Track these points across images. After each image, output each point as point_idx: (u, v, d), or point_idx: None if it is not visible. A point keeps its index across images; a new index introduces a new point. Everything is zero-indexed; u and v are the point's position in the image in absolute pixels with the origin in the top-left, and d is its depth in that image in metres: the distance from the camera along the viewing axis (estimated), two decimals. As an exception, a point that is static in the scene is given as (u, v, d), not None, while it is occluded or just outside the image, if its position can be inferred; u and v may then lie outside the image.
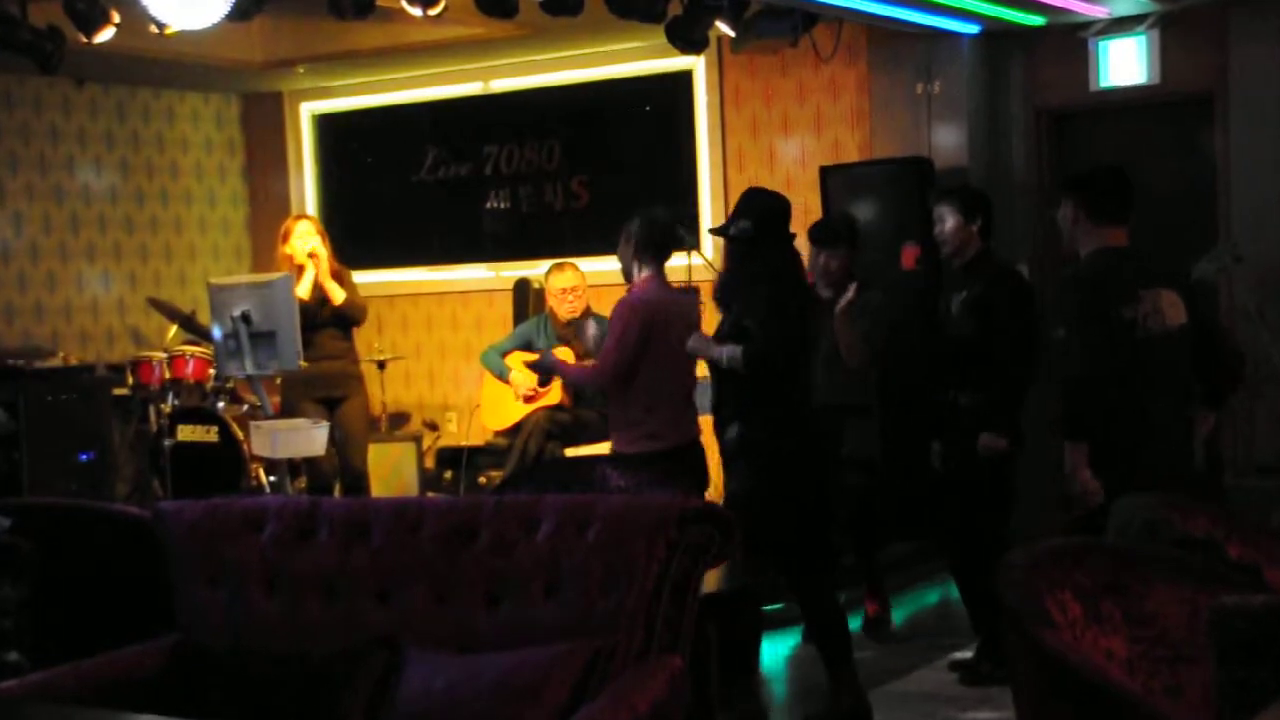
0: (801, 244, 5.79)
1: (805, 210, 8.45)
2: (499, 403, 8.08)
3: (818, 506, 5.18)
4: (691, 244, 7.36)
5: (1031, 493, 6.65)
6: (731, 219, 5.33)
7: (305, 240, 7.53)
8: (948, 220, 5.75)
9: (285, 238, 7.65)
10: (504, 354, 8.00)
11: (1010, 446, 5.63)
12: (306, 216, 8.04)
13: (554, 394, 7.83)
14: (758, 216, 5.19)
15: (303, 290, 7.34)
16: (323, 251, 7.52)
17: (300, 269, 7.50)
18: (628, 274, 5.65)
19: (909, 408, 6.67)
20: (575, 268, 7.88)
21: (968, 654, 5.86)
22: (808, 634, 6.00)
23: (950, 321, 5.75)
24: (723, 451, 5.26)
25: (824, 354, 6.17)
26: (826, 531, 5.28)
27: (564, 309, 7.79)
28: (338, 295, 7.50)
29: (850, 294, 6.11)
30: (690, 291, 5.99)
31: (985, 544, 5.52)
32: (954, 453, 5.71)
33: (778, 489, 5.02)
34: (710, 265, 7.03)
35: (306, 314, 7.08)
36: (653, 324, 5.40)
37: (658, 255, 5.55)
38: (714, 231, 5.46)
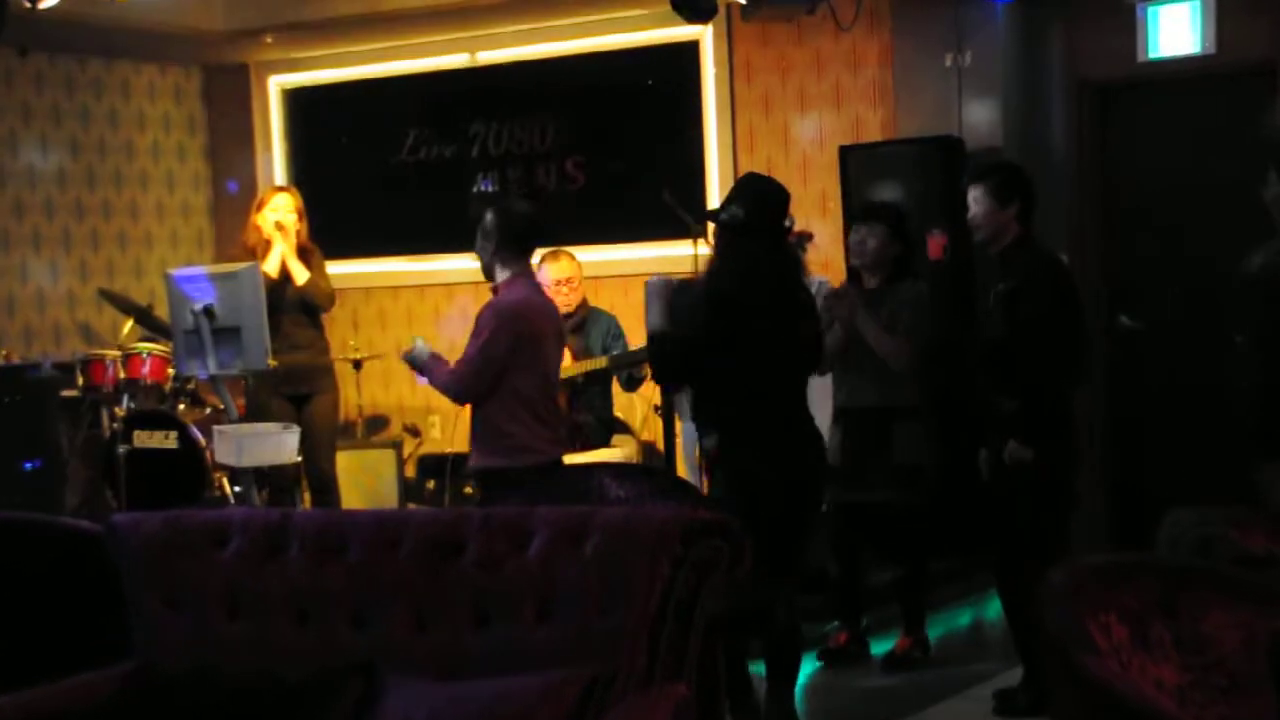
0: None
1: (823, 195, 8.48)
2: None
3: (788, 518, 5.19)
4: (698, 231, 7.36)
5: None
6: (724, 204, 5.35)
7: (278, 213, 7.57)
8: (980, 204, 5.73)
9: (259, 206, 7.71)
10: None
11: (1041, 457, 5.58)
12: (287, 189, 8.04)
13: None
14: (750, 203, 5.21)
15: (270, 267, 7.40)
16: (291, 226, 7.55)
17: (267, 243, 7.55)
18: (488, 273, 5.68)
19: (952, 410, 6.66)
20: (571, 257, 7.89)
21: (1011, 682, 5.84)
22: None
23: (987, 317, 5.73)
24: (703, 460, 5.31)
25: (868, 351, 6.17)
26: (795, 545, 5.27)
27: (559, 301, 7.79)
28: (300, 275, 7.54)
29: (874, 284, 6.13)
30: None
31: (1031, 562, 5.47)
32: (996, 462, 5.69)
33: (748, 499, 5.03)
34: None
35: (270, 295, 7.11)
36: (522, 330, 5.43)
37: (521, 252, 5.57)
38: (707, 215, 5.48)
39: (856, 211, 6.58)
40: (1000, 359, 5.68)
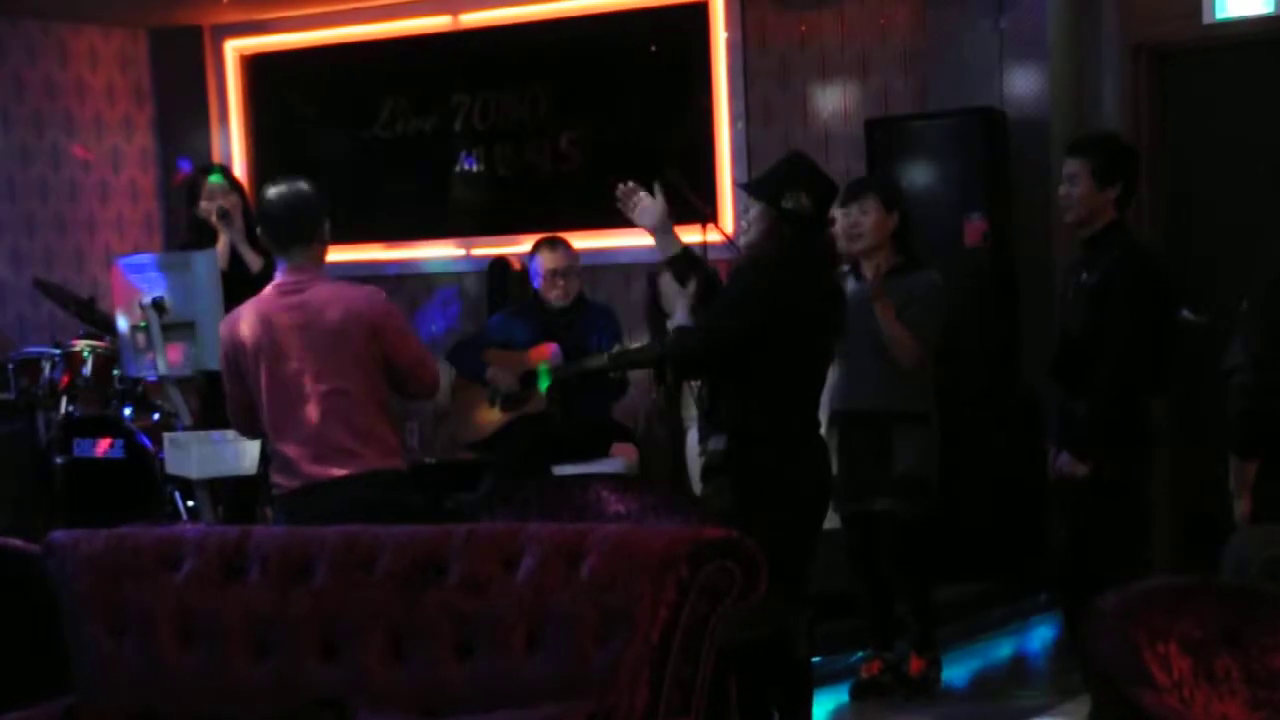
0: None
1: (848, 175, 8.45)
2: (469, 410, 8.07)
3: (802, 535, 5.24)
4: (708, 215, 7.36)
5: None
6: (779, 185, 5.35)
7: (216, 199, 7.56)
8: (1078, 181, 5.74)
9: (193, 198, 7.69)
10: (479, 350, 7.99)
11: (1114, 471, 5.61)
12: (216, 167, 8.02)
13: (537, 401, 7.83)
14: (818, 194, 5.29)
15: (219, 260, 7.39)
16: (236, 209, 7.55)
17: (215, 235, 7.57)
18: None
19: (973, 415, 6.68)
20: (567, 244, 7.88)
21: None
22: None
23: (1064, 311, 5.74)
24: (704, 464, 5.37)
25: (868, 349, 6.19)
26: (807, 564, 5.33)
27: (553, 294, 7.79)
28: (255, 263, 7.53)
29: (872, 272, 6.15)
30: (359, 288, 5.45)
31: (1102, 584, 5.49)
32: (1079, 478, 5.70)
33: (761, 510, 5.09)
34: (731, 240, 7.01)
35: (225, 290, 7.13)
36: (237, 342, 5.31)
37: (283, 244, 5.36)
38: (754, 193, 5.43)
39: (840, 195, 6.48)
40: (1079, 359, 5.69)
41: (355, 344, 5.23)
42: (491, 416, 7.97)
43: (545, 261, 7.79)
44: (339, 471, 5.21)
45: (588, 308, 7.90)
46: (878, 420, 6.24)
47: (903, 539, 6.34)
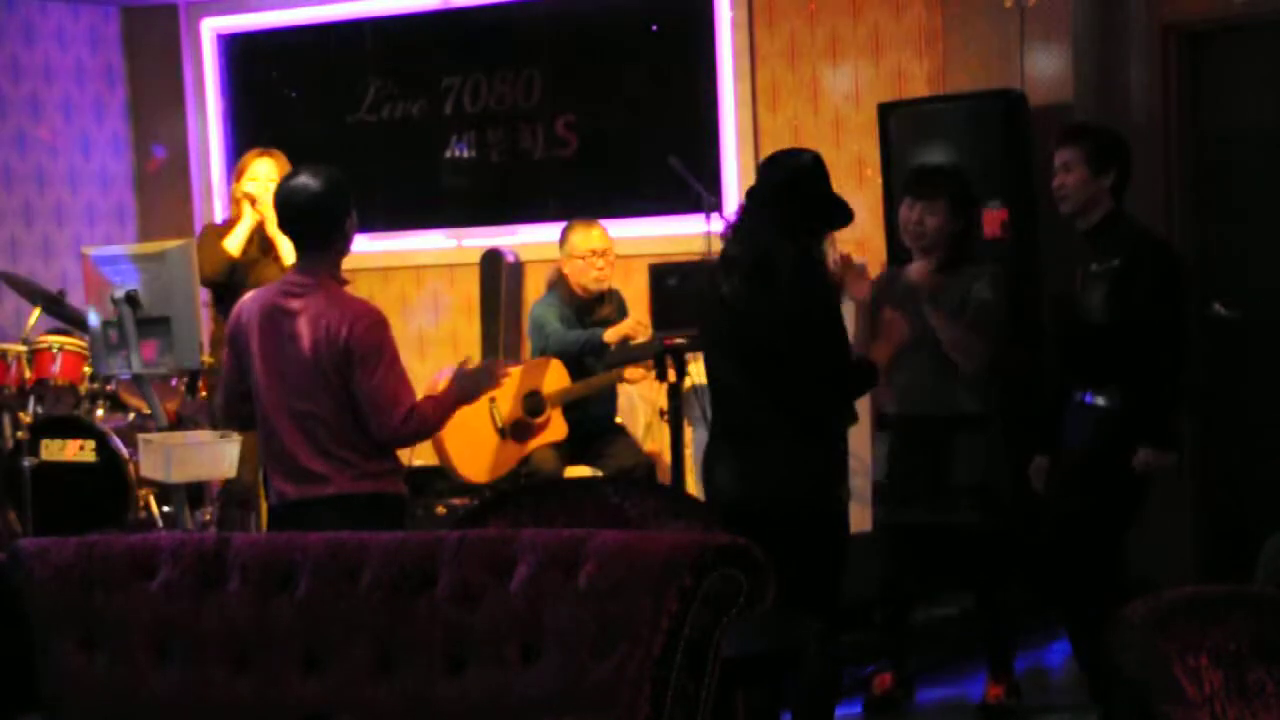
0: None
1: (860, 160, 8.48)
2: (478, 439, 7.83)
3: (784, 539, 5.31)
4: (712, 204, 7.36)
5: (1161, 522, 6.65)
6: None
7: (257, 184, 7.57)
8: (1071, 170, 5.78)
9: (238, 175, 7.73)
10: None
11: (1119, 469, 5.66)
12: (271, 154, 7.97)
13: (557, 427, 7.67)
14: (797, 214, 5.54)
15: (232, 244, 7.39)
16: (267, 198, 7.56)
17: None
18: None
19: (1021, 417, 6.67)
20: (602, 227, 7.78)
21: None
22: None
23: (1077, 302, 5.77)
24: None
25: (921, 346, 6.17)
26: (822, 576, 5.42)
27: (590, 277, 7.66)
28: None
29: (921, 269, 6.14)
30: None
31: (1118, 588, 5.50)
32: (1091, 470, 5.72)
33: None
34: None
35: (233, 278, 7.16)
36: (236, 334, 5.36)
37: (293, 242, 5.41)
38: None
39: (909, 180, 6.49)
40: (1095, 351, 5.72)
41: (327, 368, 5.18)
42: (505, 453, 7.72)
43: (583, 241, 7.62)
44: (308, 494, 5.20)
45: (617, 295, 7.81)
46: (938, 425, 6.23)
47: (974, 555, 6.32)
